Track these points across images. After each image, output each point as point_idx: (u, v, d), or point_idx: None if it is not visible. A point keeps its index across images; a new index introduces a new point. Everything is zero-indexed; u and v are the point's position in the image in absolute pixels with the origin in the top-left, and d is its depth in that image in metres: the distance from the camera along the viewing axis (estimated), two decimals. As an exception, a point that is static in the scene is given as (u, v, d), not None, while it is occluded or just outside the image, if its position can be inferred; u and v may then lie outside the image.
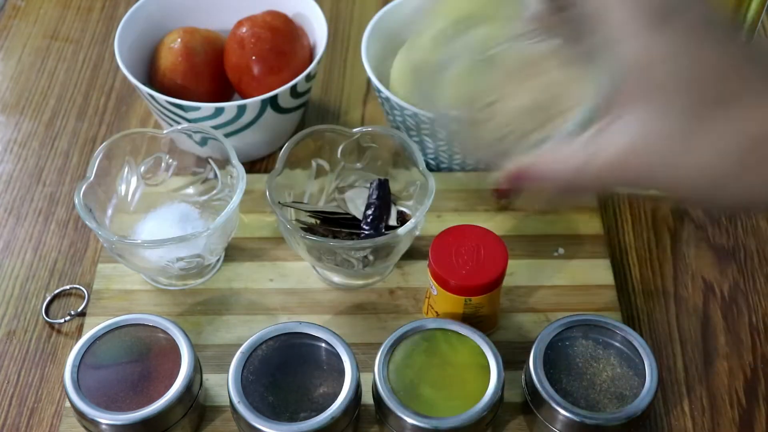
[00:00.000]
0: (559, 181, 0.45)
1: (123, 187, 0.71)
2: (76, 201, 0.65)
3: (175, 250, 0.66)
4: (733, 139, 0.39)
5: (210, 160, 0.72)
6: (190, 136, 0.71)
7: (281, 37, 0.77)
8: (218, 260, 0.72)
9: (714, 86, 0.39)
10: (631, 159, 0.41)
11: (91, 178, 0.67)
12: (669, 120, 0.40)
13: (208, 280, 0.71)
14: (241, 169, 0.67)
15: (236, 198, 0.66)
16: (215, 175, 0.72)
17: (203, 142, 0.71)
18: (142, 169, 0.71)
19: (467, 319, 0.64)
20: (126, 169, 0.71)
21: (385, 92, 0.74)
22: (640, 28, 0.40)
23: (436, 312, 0.65)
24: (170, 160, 0.72)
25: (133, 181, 0.71)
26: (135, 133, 0.70)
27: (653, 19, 0.40)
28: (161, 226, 0.70)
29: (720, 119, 0.39)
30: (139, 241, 0.67)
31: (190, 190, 0.73)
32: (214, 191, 0.72)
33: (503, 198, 0.46)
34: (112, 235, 0.64)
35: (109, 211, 0.69)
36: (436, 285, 0.63)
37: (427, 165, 0.79)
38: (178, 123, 0.75)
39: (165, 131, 0.71)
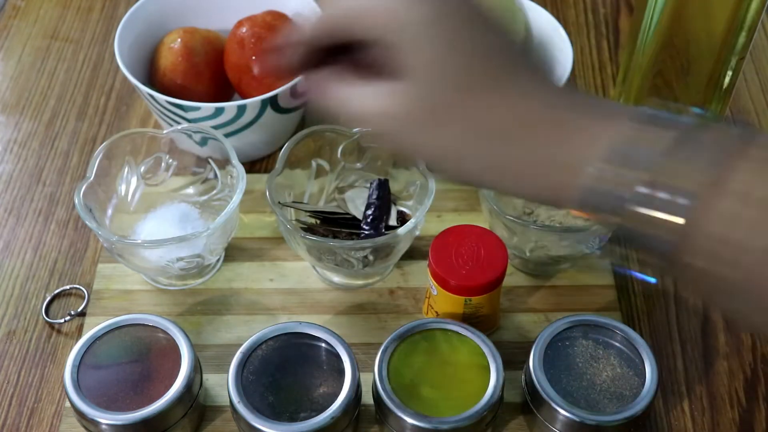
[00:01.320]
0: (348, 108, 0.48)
1: (123, 187, 0.71)
2: (76, 201, 0.65)
3: (175, 250, 0.66)
4: (468, 124, 0.44)
5: (210, 160, 0.72)
6: (190, 136, 0.71)
7: (281, 37, 0.77)
8: (218, 260, 0.72)
9: (466, 76, 0.44)
10: (389, 119, 0.46)
11: (91, 178, 0.67)
12: (424, 97, 0.45)
13: (208, 280, 0.71)
14: (241, 169, 0.67)
15: (236, 198, 0.66)
16: (215, 175, 0.72)
17: (203, 142, 0.71)
18: (142, 169, 0.71)
19: (467, 319, 0.64)
20: (126, 169, 0.71)
21: (385, 92, 0.74)
22: (416, 18, 0.45)
23: (436, 312, 0.65)
24: (170, 160, 0.72)
25: (133, 181, 0.71)
26: (135, 133, 0.70)
27: (428, 11, 0.45)
28: (161, 226, 0.70)
29: (461, 106, 0.44)
30: (139, 241, 0.67)
31: (190, 190, 0.73)
32: (214, 191, 0.72)
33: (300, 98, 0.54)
34: (112, 235, 0.64)
35: (109, 211, 0.70)
36: (436, 285, 0.63)
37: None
38: (178, 123, 0.75)
39: (165, 131, 0.71)
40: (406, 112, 0.45)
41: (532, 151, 0.44)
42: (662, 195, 0.40)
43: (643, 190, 0.40)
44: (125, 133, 0.70)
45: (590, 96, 0.46)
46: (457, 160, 0.45)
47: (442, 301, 0.64)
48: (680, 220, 0.39)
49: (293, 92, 0.76)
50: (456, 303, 0.63)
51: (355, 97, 0.47)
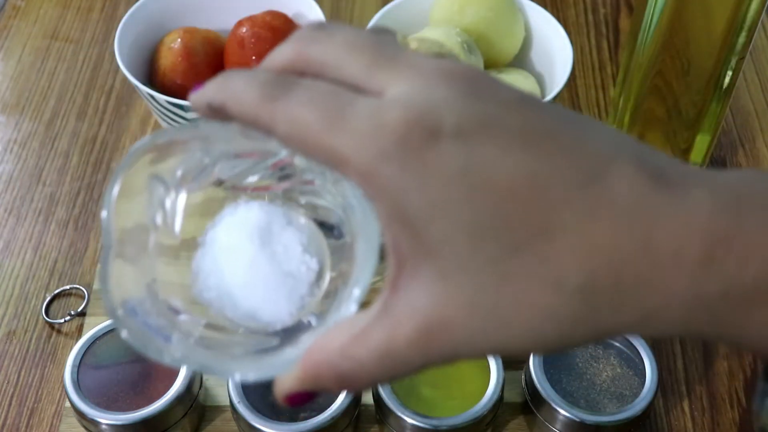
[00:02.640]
0: (365, 374, 0.33)
1: (159, 216, 0.39)
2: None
3: None
4: (550, 289, 0.29)
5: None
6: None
7: (281, 37, 0.76)
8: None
9: (511, 226, 0.29)
10: (436, 332, 0.31)
11: (112, 246, 0.36)
12: (465, 283, 0.30)
13: (208, 280, 0.71)
14: None
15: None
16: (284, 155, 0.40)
17: None
18: (178, 174, 0.39)
19: (467, 319, 0.64)
20: (154, 188, 0.38)
21: (385, 92, 0.74)
22: (388, 158, 0.29)
23: (436, 312, 0.65)
24: (210, 149, 0.40)
25: (168, 200, 0.39)
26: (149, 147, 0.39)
27: (401, 148, 0.29)
28: (231, 253, 0.39)
29: (529, 267, 0.29)
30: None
31: (254, 179, 0.40)
32: (293, 174, 0.40)
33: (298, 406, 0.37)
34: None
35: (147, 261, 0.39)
36: (436, 285, 0.63)
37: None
38: (178, 123, 0.75)
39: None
40: (457, 309, 0.30)
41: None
42: None
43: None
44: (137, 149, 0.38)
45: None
46: (552, 336, 0.30)
47: (442, 301, 0.64)
48: None
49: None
50: (456, 303, 0.63)
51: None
